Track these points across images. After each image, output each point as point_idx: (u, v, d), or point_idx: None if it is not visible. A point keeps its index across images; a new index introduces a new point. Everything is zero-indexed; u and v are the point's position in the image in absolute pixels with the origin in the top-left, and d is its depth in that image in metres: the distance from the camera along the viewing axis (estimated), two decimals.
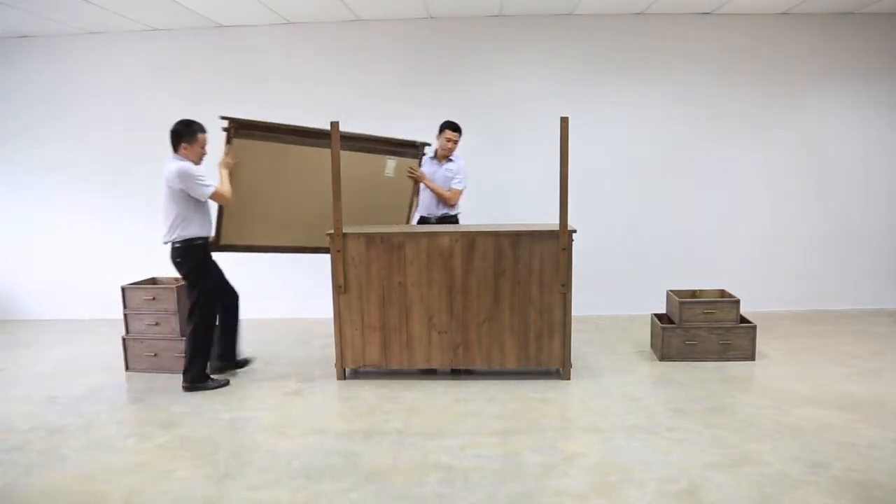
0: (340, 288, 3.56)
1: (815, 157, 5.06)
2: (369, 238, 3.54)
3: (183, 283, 3.86)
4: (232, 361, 3.82)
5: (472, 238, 3.52)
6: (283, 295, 5.18)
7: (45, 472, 2.63)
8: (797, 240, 5.11)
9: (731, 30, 4.93)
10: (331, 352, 4.02)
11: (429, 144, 4.13)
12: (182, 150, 3.44)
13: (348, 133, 3.76)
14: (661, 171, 5.12)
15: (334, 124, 3.44)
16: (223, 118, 3.56)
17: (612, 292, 5.09)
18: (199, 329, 3.53)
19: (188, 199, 3.42)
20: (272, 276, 5.03)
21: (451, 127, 4.08)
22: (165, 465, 2.67)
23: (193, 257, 3.48)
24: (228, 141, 3.58)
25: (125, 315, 3.88)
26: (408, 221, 4.15)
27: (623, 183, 5.08)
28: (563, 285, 3.49)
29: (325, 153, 3.66)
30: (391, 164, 3.97)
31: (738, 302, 3.86)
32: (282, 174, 3.73)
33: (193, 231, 3.46)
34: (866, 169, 5.07)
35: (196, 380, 3.55)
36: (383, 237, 3.54)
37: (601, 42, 4.93)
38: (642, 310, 4.91)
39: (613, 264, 5.10)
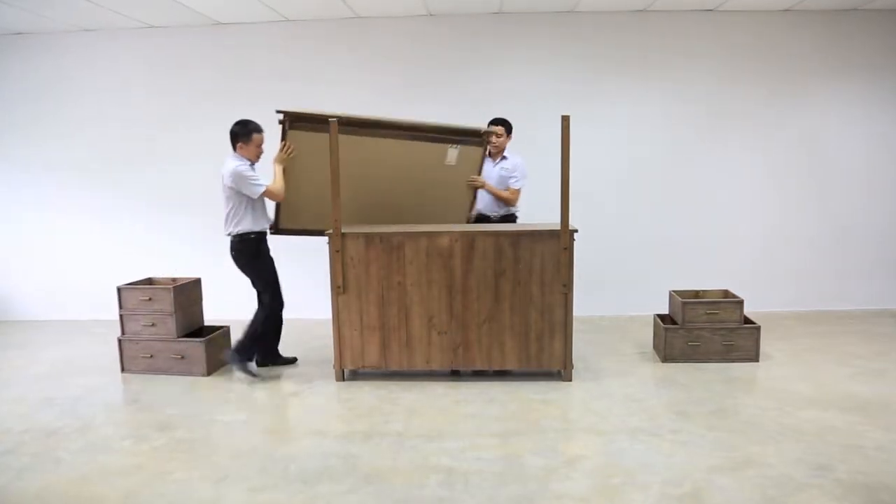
0: (339, 288, 3.55)
1: (816, 156, 5.04)
2: (368, 238, 3.53)
3: (180, 283, 3.95)
4: (276, 360, 3.95)
5: (471, 237, 3.50)
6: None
7: (40, 475, 2.61)
8: (799, 239, 5.10)
9: (733, 27, 4.91)
10: (329, 353, 4.01)
11: (495, 132, 3.93)
12: (239, 150, 3.62)
13: (406, 122, 3.70)
14: (662, 169, 5.10)
15: (333, 122, 3.41)
16: (278, 112, 3.55)
17: (613, 292, 5.07)
18: (269, 312, 3.71)
19: (240, 196, 3.58)
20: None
21: (493, 122, 3.97)
22: (162, 468, 2.65)
23: (248, 251, 3.64)
24: (284, 135, 3.59)
25: (121, 316, 3.87)
26: (468, 220, 4.00)
27: (624, 182, 5.07)
28: (564, 285, 3.48)
29: (380, 143, 3.67)
30: (452, 152, 3.82)
31: (741, 302, 3.85)
32: (347, 166, 3.64)
33: (246, 226, 3.61)
34: (869, 167, 5.05)
35: (241, 352, 3.68)
36: (382, 237, 3.52)
37: (601, 39, 4.91)
38: (644, 310, 4.89)
39: (615, 264, 5.08)
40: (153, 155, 5.21)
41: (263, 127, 3.68)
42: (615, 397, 3.34)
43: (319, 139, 3.59)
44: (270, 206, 3.79)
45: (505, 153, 4.03)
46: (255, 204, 3.63)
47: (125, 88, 5.14)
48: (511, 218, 4.06)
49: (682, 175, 5.06)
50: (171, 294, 3.80)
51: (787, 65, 4.94)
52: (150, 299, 3.82)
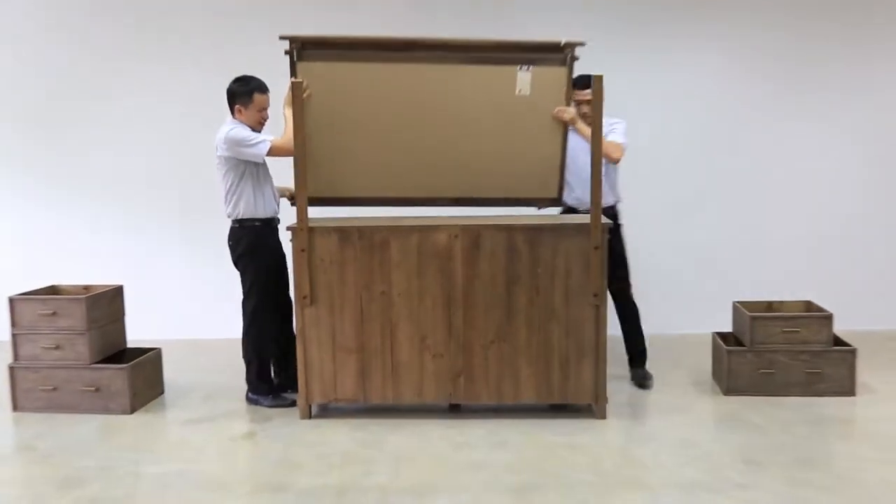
0: (305, 299, 3.55)
1: None
2: (343, 233, 3.53)
3: (95, 293, 3.96)
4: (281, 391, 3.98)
5: (476, 233, 3.51)
6: (228, 308, 5.13)
7: None
8: None
9: None
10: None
11: (583, 44, 3.66)
12: (237, 115, 3.70)
13: (452, 40, 3.65)
14: (725, 145, 5.12)
15: (296, 84, 3.39)
16: (283, 37, 3.50)
17: (659, 304, 5.06)
18: (251, 329, 3.80)
19: (237, 169, 3.66)
20: (213, 282, 5.01)
21: (578, 81, 3.76)
22: None
23: (247, 242, 3.74)
24: (293, 70, 3.56)
25: (13, 336, 3.85)
26: (561, 179, 3.75)
27: (674, 161, 5.09)
28: (595, 295, 3.49)
29: (420, 71, 3.61)
30: (524, 76, 3.62)
31: (830, 317, 3.85)
32: (372, 102, 3.64)
33: (242, 209, 3.70)
34: None
35: (254, 388, 3.84)
36: (361, 232, 3.53)
37: None
38: (700, 327, 4.89)
39: (661, 267, 5.09)
40: (59, 126, 5.21)
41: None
42: (663, 441, 3.33)
43: (344, 71, 3.58)
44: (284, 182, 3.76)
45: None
46: (259, 180, 3.70)
47: (14, 41, 5.11)
48: (610, 212, 3.89)
49: (754, 153, 5.08)
50: (83, 306, 3.79)
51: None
52: (53, 313, 3.81)
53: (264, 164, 3.73)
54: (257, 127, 3.70)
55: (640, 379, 4.08)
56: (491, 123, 3.68)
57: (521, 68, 3.63)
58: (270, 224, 3.80)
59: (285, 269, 3.91)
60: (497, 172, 3.73)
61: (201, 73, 5.00)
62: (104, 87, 5.15)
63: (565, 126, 3.71)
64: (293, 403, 3.74)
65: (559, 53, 3.65)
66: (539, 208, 3.98)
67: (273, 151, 3.59)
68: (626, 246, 4.05)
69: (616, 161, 3.87)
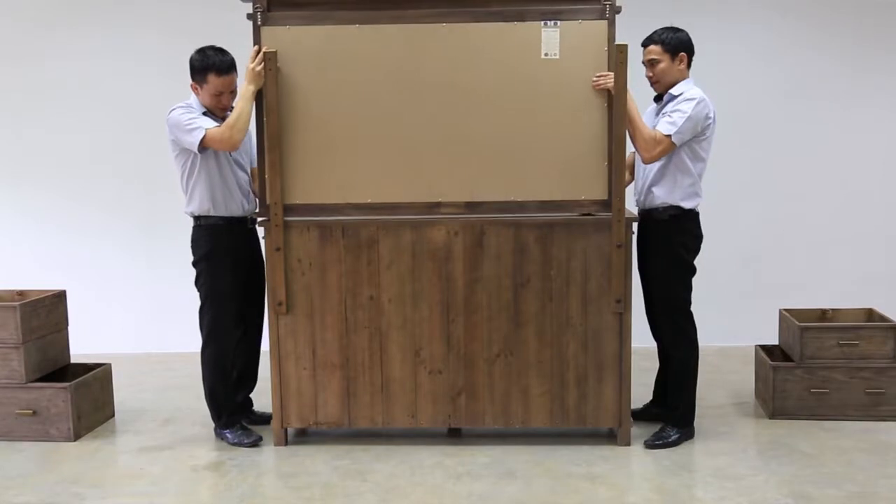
0: (280, 306, 3.60)
1: None
2: (325, 229, 3.58)
3: (31, 299, 3.96)
4: (245, 412, 4.04)
5: (479, 229, 3.55)
6: (191, 318, 5.18)
7: None
8: None
9: None
10: (265, 402, 4.05)
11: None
12: (194, 91, 3.67)
13: None
14: (772, 127, 5.17)
15: (270, 54, 3.43)
16: None
17: (695, 312, 5.07)
18: (207, 349, 3.76)
19: (186, 155, 3.63)
20: (173, 287, 5.06)
21: (647, 40, 3.57)
22: None
23: (203, 243, 3.71)
24: (257, 37, 3.47)
25: None
26: (612, 173, 3.46)
27: (712, 152, 5.09)
28: (618, 301, 3.54)
29: (426, 31, 3.45)
30: (550, 34, 3.42)
31: (895, 328, 3.90)
32: (358, 77, 3.50)
33: (197, 204, 3.68)
34: None
35: (216, 418, 3.80)
36: (346, 227, 3.57)
37: None
38: (742, 339, 4.95)
39: (698, 270, 5.09)
40: None
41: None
42: (698, 472, 3.38)
43: (320, 37, 3.46)
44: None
45: (673, 90, 3.56)
46: (222, 170, 3.64)
47: None
48: (680, 220, 3.57)
49: (797, 144, 5.14)
50: (17, 315, 3.81)
51: None
52: None
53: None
54: (218, 113, 3.64)
55: (660, 437, 3.67)
56: (511, 99, 3.50)
57: (546, 24, 3.46)
58: (240, 224, 3.75)
59: (259, 275, 3.86)
60: (521, 166, 3.53)
61: (156, 33, 5.05)
62: (35, 51, 5.18)
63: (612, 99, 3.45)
64: (256, 442, 3.73)
65: (596, 3, 3.45)
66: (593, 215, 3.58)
67: (206, 142, 3.49)
68: (685, 260, 3.65)
69: (645, 160, 3.53)
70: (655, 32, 3.57)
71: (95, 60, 5.16)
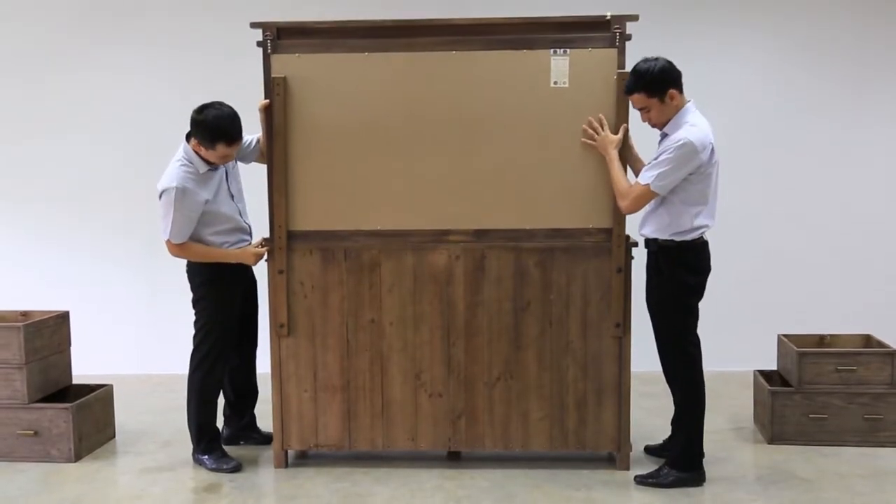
0: (282, 328, 3.64)
1: None
2: (327, 252, 3.62)
3: (35, 320, 3.99)
4: (250, 432, 4.08)
5: (480, 254, 3.60)
6: (191, 340, 5.23)
7: None
8: None
9: None
10: (266, 424, 4.08)
11: (635, 17, 3.50)
12: (195, 147, 3.65)
13: (467, 20, 3.54)
14: (769, 150, 5.22)
15: (279, 80, 3.48)
16: (255, 25, 3.47)
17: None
18: (196, 374, 3.75)
19: None
20: (174, 309, 5.07)
21: (627, 83, 3.36)
22: None
23: (200, 270, 3.74)
24: (267, 64, 3.50)
25: None
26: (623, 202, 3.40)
27: None
28: (617, 325, 3.57)
29: (426, 59, 3.48)
30: (559, 62, 3.45)
31: (893, 354, 3.92)
32: (366, 104, 3.53)
33: (195, 234, 3.68)
34: None
35: (196, 443, 3.78)
36: (348, 251, 3.62)
37: None
38: (741, 364, 4.95)
39: None
40: None
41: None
42: (697, 497, 3.39)
43: (329, 65, 3.49)
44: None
45: (668, 126, 3.41)
46: (217, 215, 3.68)
47: None
48: (679, 250, 3.41)
49: (804, 158, 5.18)
50: (20, 335, 3.83)
51: None
52: None
53: (229, 186, 3.77)
54: (218, 162, 3.68)
55: (654, 475, 3.53)
56: (520, 127, 3.52)
57: (555, 53, 3.48)
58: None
59: (253, 298, 3.97)
60: (529, 194, 3.55)
61: (166, 55, 5.10)
62: (42, 70, 5.23)
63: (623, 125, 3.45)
64: (236, 468, 3.71)
65: (605, 32, 3.46)
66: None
67: (173, 246, 3.65)
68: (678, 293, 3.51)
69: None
70: (631, 78, 3.34)
71: (102, 80, 5.22)
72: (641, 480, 3.51)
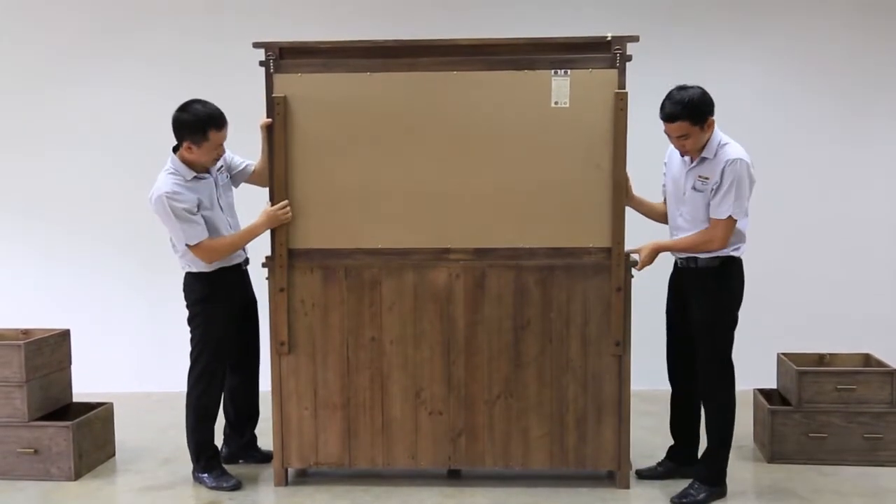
0: (283, 346, 3.67)
1: None
2: (328, 270, 3.65)
3: (35, 338, 4.00)
4: (250, 451, 4.08)
5: (480, 272, 3.63)
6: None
7: None
8: None
9: None
10: (266, 442, 4.09)
11: (635, 38, 3.54)
12: (185, 153, 3.61)
13: (468, 41, 3.57)
14: (766, 168, 5.22)
15: (280, 100, 3.54)
16: (258, 45, 3.50)
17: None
18: (195, 391, 3.76)
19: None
20: (173, 326, 5.09)
21: (663, 112, 3.35)
22: None
23: (196, 288, 3.72)
24: (269, 84, 3.53)
25: None
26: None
27: None
28: (617, 344, 3.61)
29: (427, 79, 3.53)
30: (560, 83, 3.48)
31: (893, 374, 3.94)
32: (367, 123, 3.57)
33: (190, 258, 3.66)
34: None
35: (195, 461, 3.78)
36: (348, 269, 3.65)
37: None
38: (739, 382, 4.81)
39: None
40: None
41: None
42: None
43: (331, 85, 3.52)
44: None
45: (705, 152, 3.42)
46: (214, 221, 3.67)
47: None
48: (723, 266, 3.48)
49: (801, 177, 5.23)
50: (21, 353, 3.85)
51: None
52: None
53: (219, 198, 3.76)
54: (210, 165, 3.67)
55: (685, 495, 3.56)
56: (521, 146, 3.56)
57: (556, 73, 3.52)
58: (234, 270, 3.79)
59: (254, 316, 3.98)
60: (530, 213, 3.59)
61: (165, 74, 5.15)
62: (44, 87, 5.27)
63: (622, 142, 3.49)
64: (235, 486, 3.72)
65: (606, 52, 3.51)
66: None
67: (199, 250, 3.57)
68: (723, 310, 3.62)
69: (717, 247, 3.43)
70: (674, 104, 3.31)
71: (104, 99, 5.25)
72: (677, 502, 3.51)
